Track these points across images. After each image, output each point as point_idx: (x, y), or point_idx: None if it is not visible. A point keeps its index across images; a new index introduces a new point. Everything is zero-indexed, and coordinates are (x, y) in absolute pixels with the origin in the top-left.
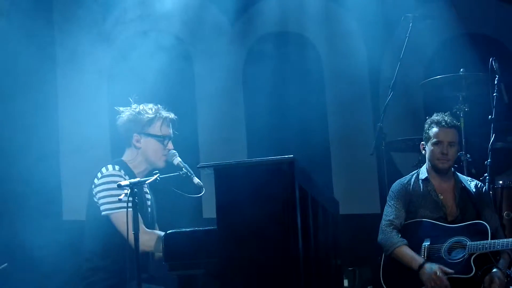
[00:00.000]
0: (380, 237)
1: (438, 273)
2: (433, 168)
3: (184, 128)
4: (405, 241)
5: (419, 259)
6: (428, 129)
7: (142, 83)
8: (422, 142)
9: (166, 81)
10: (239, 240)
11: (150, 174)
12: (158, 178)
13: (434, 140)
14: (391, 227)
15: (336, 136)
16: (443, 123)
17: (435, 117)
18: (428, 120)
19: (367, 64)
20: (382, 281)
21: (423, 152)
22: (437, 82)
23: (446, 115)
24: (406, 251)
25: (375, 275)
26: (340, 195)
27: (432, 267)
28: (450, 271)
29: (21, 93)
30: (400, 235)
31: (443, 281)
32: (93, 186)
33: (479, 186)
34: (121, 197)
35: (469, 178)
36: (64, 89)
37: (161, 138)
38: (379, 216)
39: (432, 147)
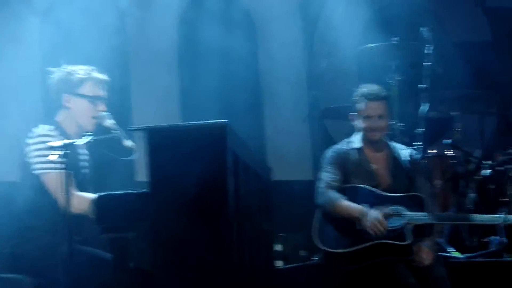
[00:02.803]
0: (320, 199)
1: (380, 217)
2: (365, 139)
3: (117, 90)
4: (345, 197)
5: (362, 207)
6: (357, 103)
7: (73, 43)
8: (351, 113)
9: (98, 42)
10: (170, 204)
11: (80, 137)
12: (91, 140)
13: (363, 113)
14: (329, 188)
15: (270, 103)
16: (371, 97)
17: (363, 89)
18: (356, 93)
19: (303, 30)
20: (318, 241)
21: (354, 123)
22: (370, 50)
23: (373, 86)
24: (348, 203)
25: (307, 241)
26: (273, 161)
27: (375, 212)
28: (391, 212)
29: None
30: (338, 193)
31: (384, 223)
32: (25, 146)
33: (411, 154)
34: (53, 158)
35: (402, 146)
36: None
37: (92, 99)
38: (311, 183)
39: (362, 121)
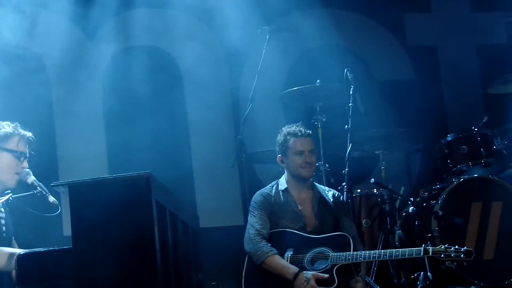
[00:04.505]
0: (248, 246)
1: (311, 282)
2: (295, 178)
3: (43, 146)
4: (276, 251)
5: (294, 268)
6: (285, 142)
7: None
8: (279, 155)
9: (22, 99)
10: (96, 259)
11: (2, 193)
12: (10, 198)
13: (295, 150)
14: (260, 237)
15: (197, 151)
16: (299, 134)
17: (288, 129)
18: (281, 133)
19: (228, 77)
20: None
21: (282, 164)
22: (294, 93)
23: (298, 126)
24: (279, 261)
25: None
26: (203, 209)
27: (307, 276)
28: (325, 276)
29: None
30: (270, 245)
31: None
32: None
33: (336, 195)
34: None
35: (327, 188)
36: None
37: (17, 154)
38: (243, 228)
39: (294, 157)
